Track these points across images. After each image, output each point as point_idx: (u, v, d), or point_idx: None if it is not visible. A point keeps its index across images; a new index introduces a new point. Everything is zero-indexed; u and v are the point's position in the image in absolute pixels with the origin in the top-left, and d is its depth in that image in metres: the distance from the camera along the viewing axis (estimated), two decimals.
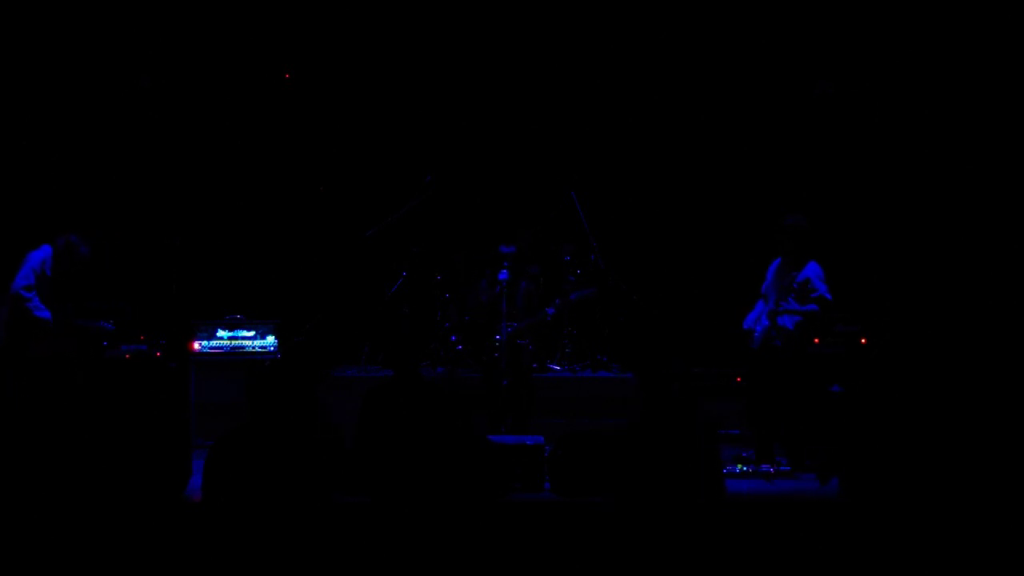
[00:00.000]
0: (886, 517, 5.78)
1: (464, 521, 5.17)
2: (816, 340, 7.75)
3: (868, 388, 7.48)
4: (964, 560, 5.17)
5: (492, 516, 5.46)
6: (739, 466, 7.58)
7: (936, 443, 6.52)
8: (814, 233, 7.87)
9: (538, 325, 8.69)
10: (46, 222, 8.13)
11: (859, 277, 9.24)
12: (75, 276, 8.04)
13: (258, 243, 10.30)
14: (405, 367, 6.00)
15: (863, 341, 7.83)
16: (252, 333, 8.76)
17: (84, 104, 9.95)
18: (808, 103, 10.15)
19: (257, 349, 8.75)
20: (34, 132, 9.78)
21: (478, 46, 10.30)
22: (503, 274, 8.37)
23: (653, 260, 10.34)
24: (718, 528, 5.01)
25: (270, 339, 8.77)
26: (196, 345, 8.68)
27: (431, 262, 9.88)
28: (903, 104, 9.88)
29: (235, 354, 8.69)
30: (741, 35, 10.10)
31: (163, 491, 6.62)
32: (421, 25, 10.21)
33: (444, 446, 5.59)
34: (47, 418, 7.08)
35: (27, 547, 5.19)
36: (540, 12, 10.16)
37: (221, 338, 8.73)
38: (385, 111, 10.50)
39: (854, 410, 7.23)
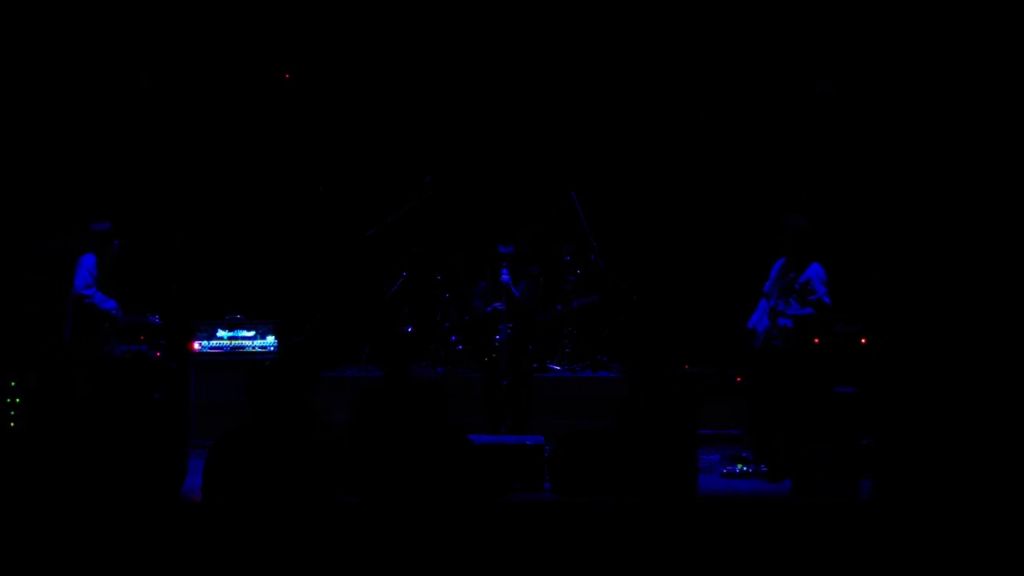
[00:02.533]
0: (885, 517, 5.77)
1: (464, 521, 5.16)
2: (816, 340, 7.73)
3: (868, 389, 7.47)
4: (964, 560, 5.17)
5: (491, 516, 5.46)
6: (739, 466, 7.58)
7: (935, 443, 6.52)
8: (814, 233, 7.87)
9: (534, 324, 8.69)
10: (45, 222, 8.12)
11: (859, 277, 9.23)
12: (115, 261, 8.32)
13: (258, 243, 10.30)
14: (396, 368, 6.00)
15: (863, 341, 7.81)
16: (252, 333, 8.77)
17: (84, 104, 9.95)
18: (808, 103, 10.14)
19: (257, 349, 8.76)
20: (34, 132, 9.77)
21: (477, 46, 10.29)
22: (504, 275, 8.37)
23: (653, 260, 10.34)
24: (717, 527, 5.01)
25: (270, 339, 8.78)
26: (196, 345, 8.68)
27: (431, 262, 9.88)
28: (903, 104, 9.87)
29: (235, 354, 8.70)
30: (741, 35, 10.10)
31: (160, 491, 6.62)
32: (420, 25, 10.21)
33: (435, 445, 5.58)
34: (47, 418, 7.08)
35: (25, 545, 5.19)
36: (539, 12, 10.16)
37: (221, 338, 8.73)
38: (385, 111, 10.49)
39: (850, 410, 7.22)
